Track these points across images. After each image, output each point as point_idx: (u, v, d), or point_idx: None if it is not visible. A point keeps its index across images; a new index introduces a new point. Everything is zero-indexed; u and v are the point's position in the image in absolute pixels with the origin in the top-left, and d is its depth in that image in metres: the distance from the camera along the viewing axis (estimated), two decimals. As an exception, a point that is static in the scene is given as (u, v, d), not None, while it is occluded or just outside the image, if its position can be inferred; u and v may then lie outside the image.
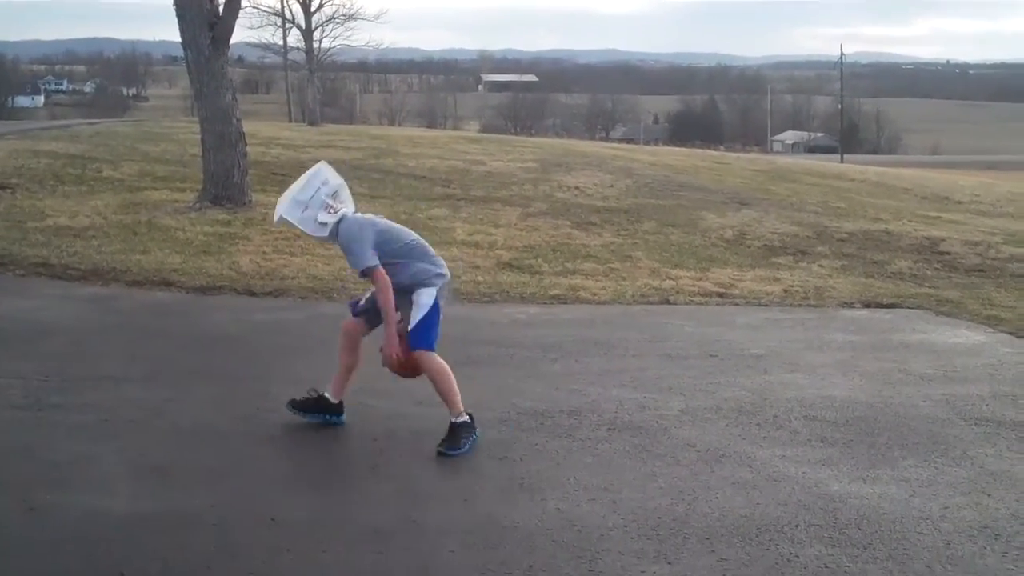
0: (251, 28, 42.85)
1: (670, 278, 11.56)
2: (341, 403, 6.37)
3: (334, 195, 6.05)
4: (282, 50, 44.58)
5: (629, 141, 63.72)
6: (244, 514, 5.12)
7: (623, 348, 8.43)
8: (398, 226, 6.23)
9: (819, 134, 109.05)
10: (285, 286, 9.93)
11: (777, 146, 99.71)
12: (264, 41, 43.82)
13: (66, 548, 4.66)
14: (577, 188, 18.43)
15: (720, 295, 10.82)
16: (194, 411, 5.98)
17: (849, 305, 10.75)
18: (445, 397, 6.09)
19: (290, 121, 45.02)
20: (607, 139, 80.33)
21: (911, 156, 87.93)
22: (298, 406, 6.35)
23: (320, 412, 6.33)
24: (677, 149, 36.73)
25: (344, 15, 41.42)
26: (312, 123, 34.61)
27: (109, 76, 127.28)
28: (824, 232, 15.44)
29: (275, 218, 6.12)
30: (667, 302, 10.40)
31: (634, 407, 6.84)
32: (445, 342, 8.24)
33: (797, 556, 4.72)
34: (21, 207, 13.11)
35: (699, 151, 36.80)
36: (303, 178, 6.10)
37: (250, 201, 14.00)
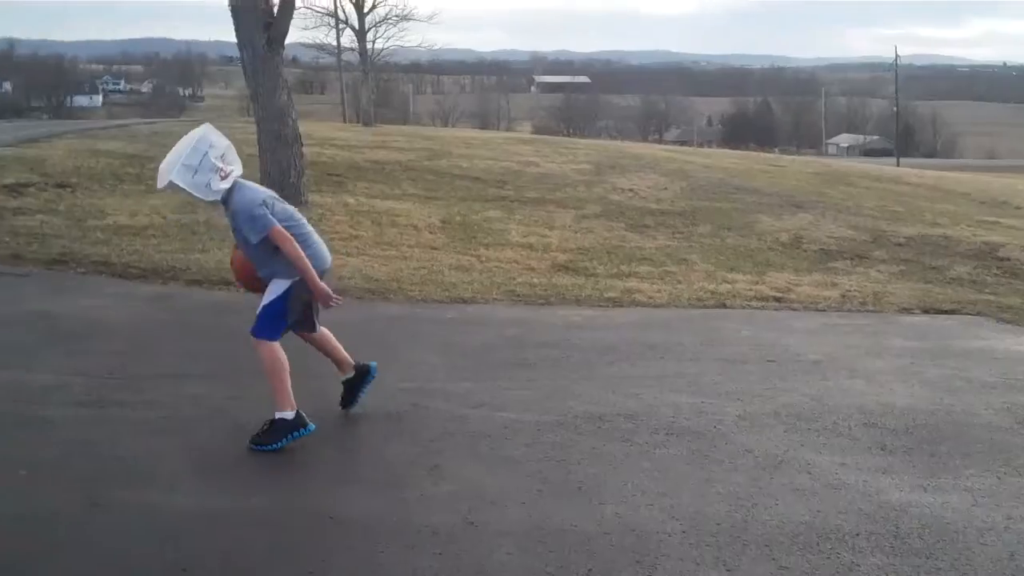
0: (305, 29, 43.13)
1: (726, 282, 11.50)
2: (357, 365, 6.49)
3: (222, 157, 5.84)
4: (336, 51, 44.81)
5: (683, 143, 63.46)
6: (303, 512, 5.16)
7: (679, 352, 8.40)
8: (285, 206, 6.03)
9: (874, 137, 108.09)
10: (342, 286, 9.95)
11: (832, 149, 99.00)
12: (318, 41, 44.14)
13: (129, 543, 4.72)
14: (631, 190, 18.38)
15: (777, 299, 10.75)
16: (253, 409, 6.02)
17: (908, 311, 10.65)
18: (274, 390, 5.94)
19: (344, 122, 45.20)
20: (660, 141, 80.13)
21: (967, 160, 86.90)
22: (346, 402, 6.48)
23: (359, 387, 6.49)
24: (731, 151, 36.55)
25: (397, 16, 41.62)
26: (366, 124, 34.74)
27: (166, 76, 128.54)
28: (881, 236, 15.30)
29: (160, 184, 5.87)
30: (723, 306, 10.35)
31: (691, 412, 6.81)
32: (501, 344, 8.31)
33: (858, 565, 4.68)
34: (81, 206, 13.27)
35: (753, 153, 36.63)
36: (187, 141, 5.84)
37: (306, 201, 14.08)
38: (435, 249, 12.32)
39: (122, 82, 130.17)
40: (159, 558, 4.59)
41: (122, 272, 10.16)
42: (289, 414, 5.87)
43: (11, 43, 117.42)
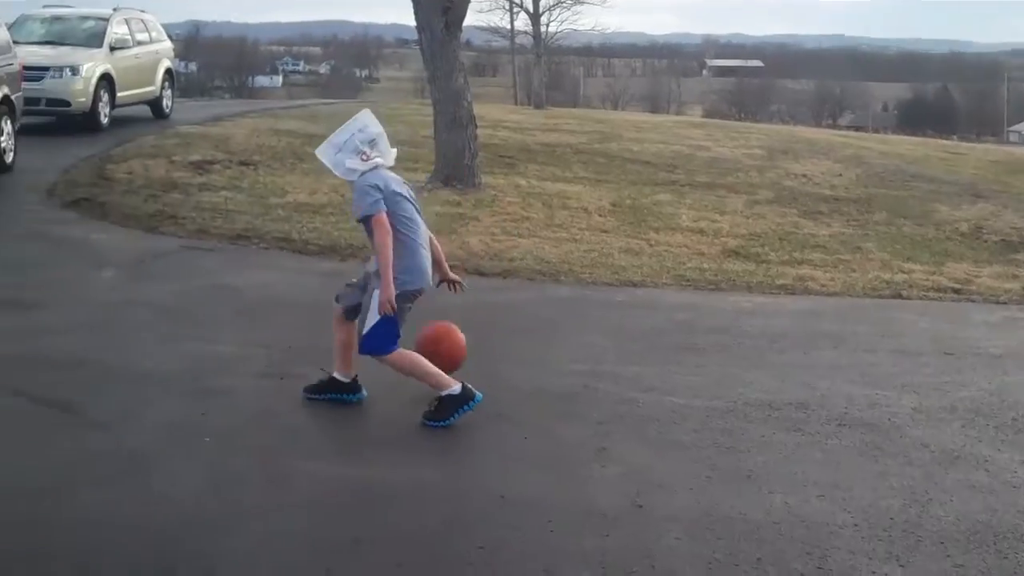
0: (480, 12, 43.39)
1: (902, 271, 11.23)
2: (355, 380, 6.30)
3: (371, 143, 5.95)
4: (509, 34, 45.08)
5: (857, 128, 61.96)
6: (474, 489, 5.27)
7: (853, 342, 8.25)
8: (407, 207, 6.02)
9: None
10: (513, 267, 10.08)
11: (1014, 136, 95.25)
12: (492, 25, 44.47)
13: (304, 512, 4.90)
14: (804, 176, 18.06)
15: (955, 291, 10.44)
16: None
17: (1095, 306, 10.23)
18: (425, 381, 6.01)
19: (516, 104, 45.48)
20: (834, 126, 78.37)
21: None
22: (312, 390, 6.31)
23: (335, 392, 6.27)
24: (908, 138, 35.52)
25: (571, 0, 41.61)
26: (538, 106, 34.87)
27: (343, 58, 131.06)
28: (1068, 228, 14.71)
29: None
30: (899, 296, 10.11)
31: (865, 403, 6.70)
32: (670, 328, 8.32)
33: (1038, 566, 4.56)
34: (264, 183, 13.68)
35: (931, 140, 35.54)
36: (346, 123, 6.04)
37: (479, 183, 14.24)
38: (605, 232, 12.34)
39: (301, 63, 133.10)
40: (334, 527, 4.75)
41: (301, 248, 10.46)
42: (456, 389, 5.96)
43: (196, 25, 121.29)
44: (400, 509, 4.95)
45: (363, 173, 5.92)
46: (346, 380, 6.29)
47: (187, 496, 4.98)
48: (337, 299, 6.26)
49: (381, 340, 5.94)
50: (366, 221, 5.88)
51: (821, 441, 6.02)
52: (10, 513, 4.77)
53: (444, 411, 5.96)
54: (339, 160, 5.95)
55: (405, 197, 6.03)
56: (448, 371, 6.11)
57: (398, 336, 5.99)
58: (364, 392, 6.32)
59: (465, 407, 5.97)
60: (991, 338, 8.64)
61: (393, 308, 5.80)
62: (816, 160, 20.01)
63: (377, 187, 5.86)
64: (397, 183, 6.06)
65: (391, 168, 6.14)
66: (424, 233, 6.12)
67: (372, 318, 5.90)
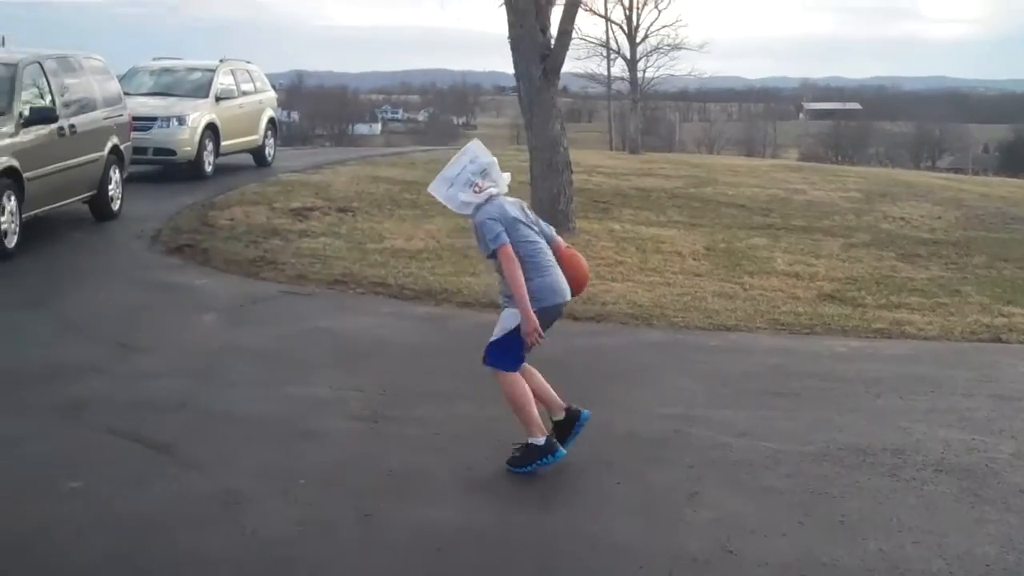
0: (578, 59, 43.55)
1: (1002, 315, 11.02)
2: (568, 408, 6.24)
3: (482, 173, 5.92)
4: (606, 80, 45.24)
5: (957, 171, 60.87)
6: (564, 534, 5.29)
7: (951, 386, 8.12)
8: (525, 230, 5.97)
9: None
10: (606, 311, 10.10)
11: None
12: (589, 71, 44.62)
13: (397, 555, 4.97)
14: (903, 219, 17.85)
15: (1057, 335, 10.23)
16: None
17: None
18: (520, 418, 5.96)
19: (611, 149, 45.53)
20: (933, 168, 77.07)
21: None
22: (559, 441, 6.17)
23: (569, 431, 6.20)
24: (1009, 180, 34.89)
25: (668, 45, 41.56)
26: (633, 151, 34.88)
27: (441, 105, 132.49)
28: None
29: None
30: (999, 340, 9.92)
31: (962, 448, 6.59)
32: (763, 373, 8.26)
33: None
34: (361, 229, 13.90)
35: (1035, 182, 34.85)
36: (456, 156, 6.02)
37: (574, 227, 14.31)
38: (699, 276, 12.31)
39: (400, 111, 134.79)
40: (425, 571, 4.82)
41: (397, 293, 10.59)
42: (540, 440, 5.96)
43: (299, 75, 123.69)
44: (492, 553, 5.00)
45: (479, 206, 5.93)
46: (562, 417, 6.24)
47: (279, 537, 5.08)
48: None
49: (503, 356, 5.95)
50: (493, 255, 5.90)
51: (917, 487, 5.95)
52: (106, 549, 4.91)
53: (526, 459, 5.99)
54: (452, 195, 5.96)
55: (522, 222, 6.01)
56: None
57: (522, 359, 6.00)
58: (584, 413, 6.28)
59: (544, 459, 5.96)
60: (1095, 383, 8.45)
61: (540, 335, 5.82)
62: (914, 203, 19.75)
63: (496, 220, 5.86)
64: (513, 207, 6.06)
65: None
66: (549, 251, 6.08)
67: (499, 332, 5.94)
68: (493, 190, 5.97)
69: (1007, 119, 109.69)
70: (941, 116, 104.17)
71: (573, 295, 6.19)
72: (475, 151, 6.06)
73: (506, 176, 6.12)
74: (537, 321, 5.78)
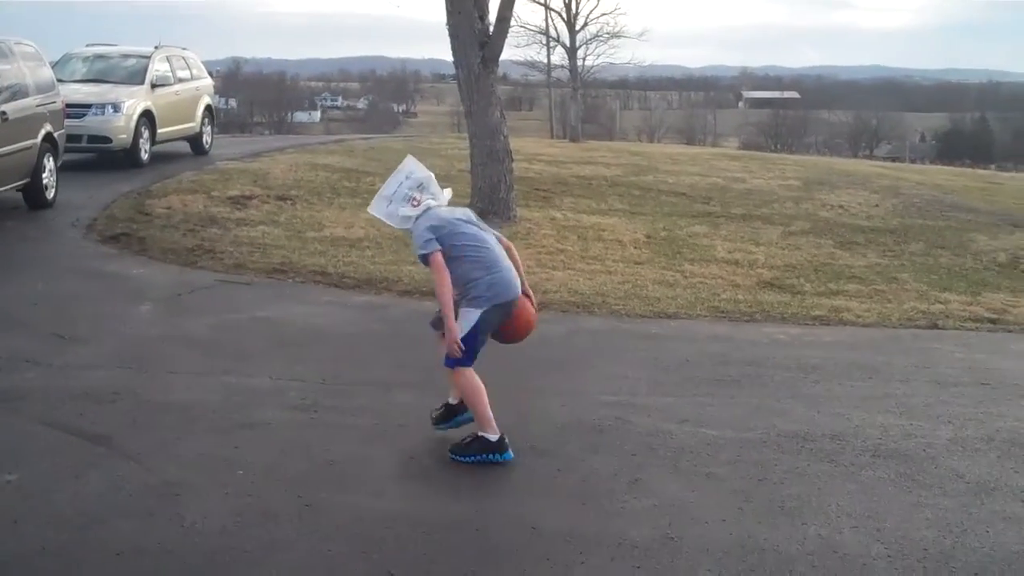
0: (517, 47, 43.50)
1: (939, 302, 11.17)
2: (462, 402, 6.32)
3: (419, 187, 6.00)
4: (546, 68, 45.22)
5: (894, 159, 61.67)
6: (506, 521, 5.27)
7: (888, 373, 8.21)
8: (470, 230, 6.04)
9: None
10: (548, 299, 10.09)
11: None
12: (529, 59, 44.57)
13: (338, 545, 4.91)
14: (841, 207, 18.03)
15: (992, 321, 10.38)
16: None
17: None
18: (477, 412, 6.00)
19: (552, 137, 45.61)
20: (871, 157, 77.96)
21: None
22: (440, 419, 6.35)
23: (456, 417, 6.30)
24: (946, 168, 35.38)
25: (608, 33, 41.61)
26: (573, 139, 34.94)
27: (381, 92, 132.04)
28: (1108, 258, 14.58)
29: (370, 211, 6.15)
30: (935, 326, 10.05)
31: (900, 434, 6.66)
32: (704, 360, 8.29)
33: (1075, 598, 4.52)
34: (301, 218, 13.80)
35: (969, 170, 35.39)
36: (393, 174, 6.09)
37: (515, 216, 14.31)
38: (639, 264, 12.35)
39: (339, 98, 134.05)
40: (366, 560, 4.77)
41: (337, 282, 10.53)
42: (492, 436, 5.97)
43: (237, 62, 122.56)
44: (433, 542, 4.96)
45: (417, 218, 5.97)
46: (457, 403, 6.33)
47: (218, 528, 5.01)
48: (433, 325, 6.26)
49: (466, 353, 5.93)
50: (424, 262, 5.91)
51: (855, 472, 5.99)
52: (42, 542, 4.82)
53: (471, 448, 5.98)
54: (392, 211, 6.02)
55: (466, 222, 6.07)
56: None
57: (476, 354, 6.00)
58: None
59: (492, 455, 5.95)
60: (1029, 368, 8.58)
61: (461, 350, 5.85)
62: (852, 191, 19.96)
63: (431, 227, 5.88)
64: (457, 211, 6.13)
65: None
66: (499, 249, 6.10)
67: (461, 331, 5.90)
68: (431, 202, 6.01)
69: (943, 108, 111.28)
70: (878, 105, 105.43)
71: (516, 340, 6.27)
72: (411, 167, 6.10)
73: (447, 192, 6.18)
74: (459, 334, 5.84)
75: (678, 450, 6.25)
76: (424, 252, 5.82)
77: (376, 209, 6.09)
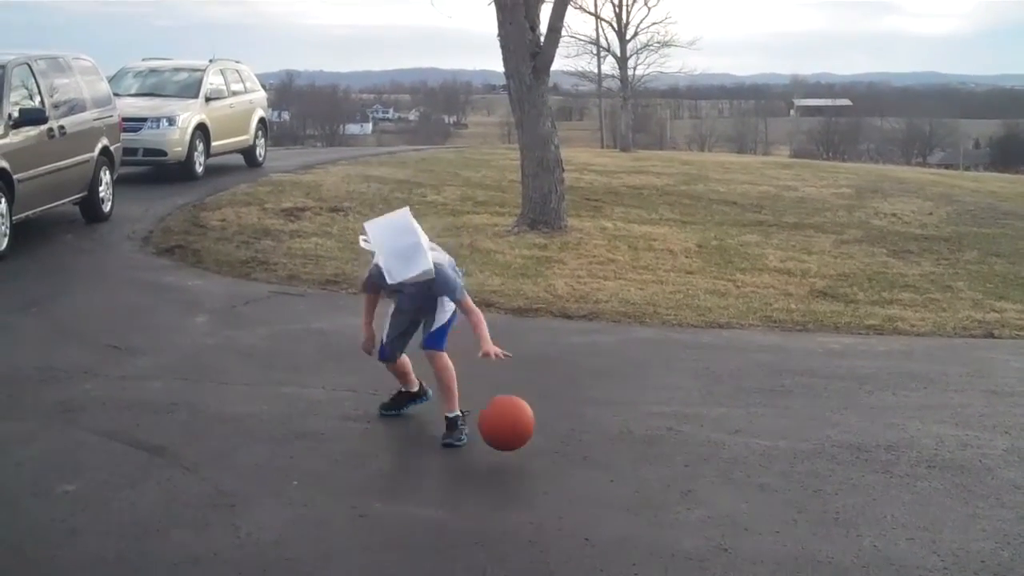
0: (568, 57, 43.47)
1: (994, 310, 11.05)
2: (422, 385, 6.97)
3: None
4: (597, 78, 45.22)
5: (947, 166, 61.10)
6: (559, 532, 5.27)
7: (943, 382, 8.14)
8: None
9: None
10: (599, 309, 10.10)
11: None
12: (580, 69, 44.56)
13: (392, 554, 4.95)
14: (894, 215, 17.87)
15: (1050, 330, 10.26)
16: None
17: None
18: (445, 392, 6.44)
19: (602, 147, 45.60)
20: (924, 164, 77.23)
21: None
22: (388, 407, 6.91)
23: (408, 402, 6.93)
24: (1000, 175, 34.96)
25: (659, 43, 41.51)
26: (624, 149, 34.95)
27: (432, 104, 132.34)
28: None
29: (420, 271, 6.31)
30: (991, 336, 9.95)
31: (955, 444, 6.60)
32: (756, 370, 8.27)
33: None
34: (353, 229, 13.84)
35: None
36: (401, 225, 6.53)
37: (566, 226, 14.31)
38: (691, 273, 12.32)
39: (391, 110, 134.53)
40: (420, 571, 4.81)
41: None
42: (457, 412, 6.43)
43: (290, 75, 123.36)
44: (486, 551, 4.99)
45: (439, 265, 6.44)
46: (414, 390, 6.99)
47: (273, 538, 5.06)
48: (386, 354, 6.86)
49: (443, 339, 6.52)
50: (462, 301, 6.44)
51: (910, 483, 5.95)
52: (100, 551, 4.90)
53: (455, 430, 6.41)
54: (434, 258, 6.39)
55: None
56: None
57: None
58: (430, 392, 6.93)
59: (463, 434, 6.40)
60: (1087, 377, 8.48)
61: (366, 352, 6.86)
62: (906, 199, 19.78)
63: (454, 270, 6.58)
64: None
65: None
66: None
67: (442, 319, 6.52)
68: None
69: (997, 114, 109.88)
70: (931, 112, 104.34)
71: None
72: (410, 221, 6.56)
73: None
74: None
75: (731, 461, 6.23)
76: (462, 296, 6.41)
77: (422, 264, 6.28)
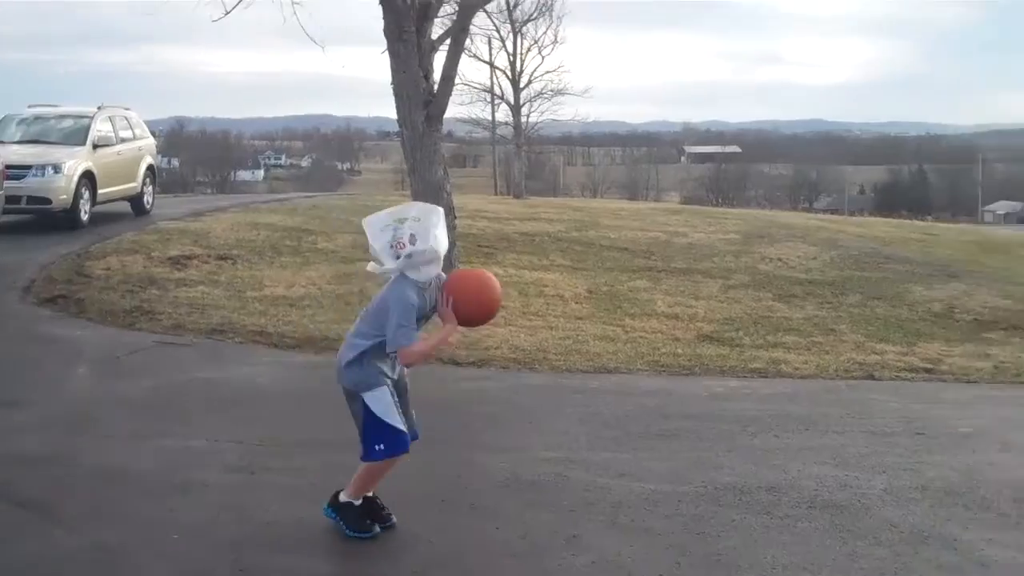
0: (462, 104, 43.67)
1: (875, 352, 11.33)
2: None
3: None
4: (491, 125, 45.45)
5: (834, 212, 62.50)
6: (445, 580, 5.26)
7: (825, 424, 8.30)
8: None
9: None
10: (488, 356, 10.12)
11: (988, 216, 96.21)
12: (474, 116, 44.74)
13: (277, 606, 4.89)
14: (780, 260, 18.25)
15: (927, 371, 10.55)
16: (401, 478, 6.13)
17: (1066, 384, 10.31)
18: (358, 481, 5.75)
19: (496, 194, 45.77)
20: (811, 210, 78.99)
21: None
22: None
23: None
24: (884, 220, 35.89)
25: (552, 91, 41.90)
26: (517, 196, 35.19)
27: (325, 151, 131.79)
28: (1040, 307, 14.85)
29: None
30: (871, 377, 10.19)
31: (835, 485, 6.73)
32: (643, 414, 8.35)
33: (1004, 644, 4.58)
34: (241, 278, 13.75)
35: (907, 222, 35.91)
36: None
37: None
38: (581, 319, 12.42)
39: (283, 157, 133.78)
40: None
41: (277, 342, 10.48)
42: (359, 502, 5.76)
43: (180, 122, 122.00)
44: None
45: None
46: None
47: (155, 592, 4.97)
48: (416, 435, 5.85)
49: (380, 435, 5.69)
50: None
51: (791, 524, 6.04)
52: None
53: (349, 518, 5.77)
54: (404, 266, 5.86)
55: None
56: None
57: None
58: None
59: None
60: (961, 417, 8.73)
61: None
62: (792, 244, 20.20)
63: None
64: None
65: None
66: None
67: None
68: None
69: (882, 161, 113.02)
70: (818, 158, 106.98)
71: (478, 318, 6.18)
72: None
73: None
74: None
75: (616, 505, 6.27)
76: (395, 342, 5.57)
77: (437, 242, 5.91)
